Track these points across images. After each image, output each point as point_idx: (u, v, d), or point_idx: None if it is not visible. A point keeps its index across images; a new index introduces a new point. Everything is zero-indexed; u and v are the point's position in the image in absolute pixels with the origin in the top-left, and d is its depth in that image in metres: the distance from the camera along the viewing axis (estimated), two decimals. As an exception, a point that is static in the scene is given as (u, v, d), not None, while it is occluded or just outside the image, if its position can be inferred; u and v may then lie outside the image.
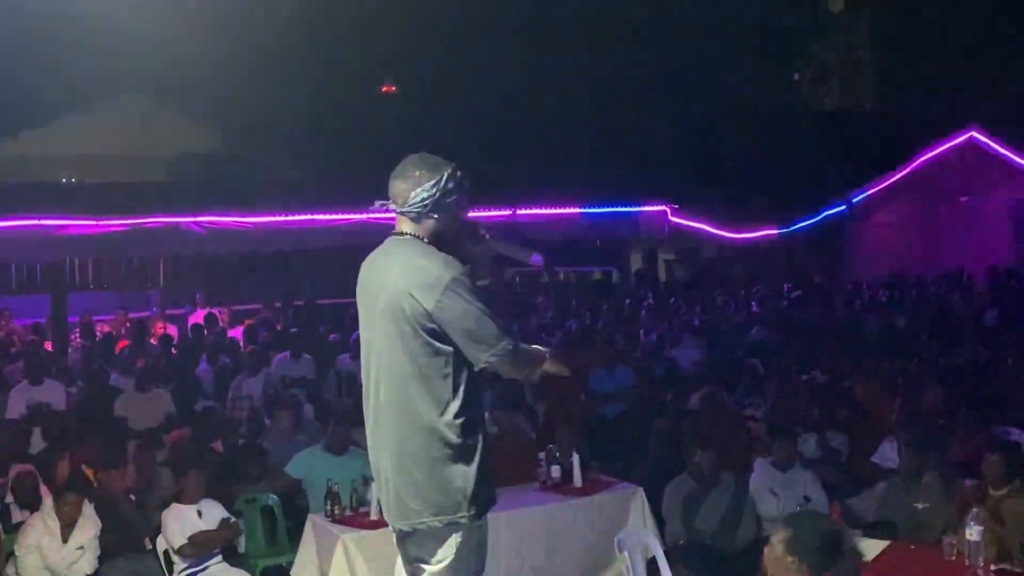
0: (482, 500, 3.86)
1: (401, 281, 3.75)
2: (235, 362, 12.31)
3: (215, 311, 15.92)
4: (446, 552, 3.86)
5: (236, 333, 14.54)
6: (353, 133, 22.03)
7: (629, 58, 24.23)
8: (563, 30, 24.07)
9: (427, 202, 3.80)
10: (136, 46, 19.28)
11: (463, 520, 3.81)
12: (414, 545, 3.94)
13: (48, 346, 14.10)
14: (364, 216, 13.46)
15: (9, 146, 20.04)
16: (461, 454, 3.78)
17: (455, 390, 3.78)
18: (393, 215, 3.96)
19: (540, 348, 4.08)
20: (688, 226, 20.92)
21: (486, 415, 4.12)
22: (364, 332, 3.99)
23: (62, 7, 17.39)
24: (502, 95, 23.30)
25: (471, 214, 3.99)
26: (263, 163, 21.68)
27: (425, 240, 3.83)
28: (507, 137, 22.59)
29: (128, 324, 15.49)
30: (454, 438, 3.77)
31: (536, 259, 3.86)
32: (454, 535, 3.85)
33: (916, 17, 26.93)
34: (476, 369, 3.78)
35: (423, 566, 3.93)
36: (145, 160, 19.77)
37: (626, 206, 19.97)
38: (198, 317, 15.75)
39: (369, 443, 4.01)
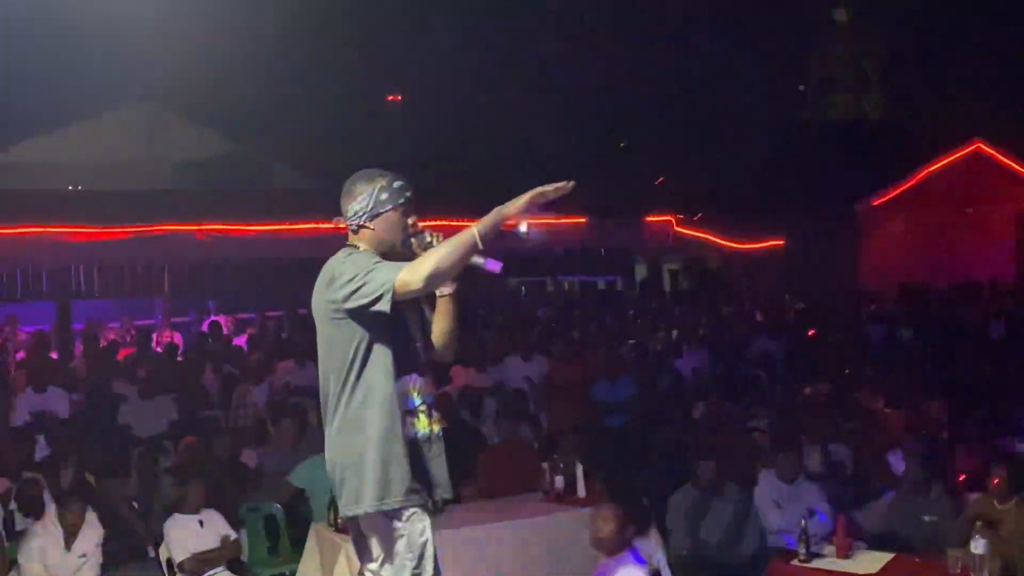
0: (409, 491, 3.86)
1: (315, 293, 3.94)
2: (239, 370, 12.30)
3: (219, 319, 15.92)
4: (379, 549, 3.91)
5: (241, 341, 14.54)
6: (358, 141, 22.06)
7: (635, 68, 24.26)
8: (568, 41, 24.11)
9: (361, 214, 3.95)
10: (142, 53, 19.34)
11: (386, 507, 3.83)
12: (356, 544, 4.03)
13: (53, 354, 14.08)
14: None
15: (15, 153, 20.04)
16: (358, 446, 3.84)
17: (368, 379, 3.85)
18: None
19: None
20: (693, 236, 20.94)
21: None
22: None
23: (67, 15, 17.43)
24: (506, 104, 23.34)
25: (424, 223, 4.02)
26: (268, 171, 21.69)
27: (362, 249, 3.94)
28: (511, 146, 22.63)
29: (132, 332, 15.49)
30: (372, 427, 3.84)
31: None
32: (386, 529, 3.87)
33: (922, 28, 26.95)
34: (387, 308, 3.69)
35: (367, 566, 3.99)
36: (150, 167, 19.77)
37: (631, 216, 19.97)
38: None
39: None
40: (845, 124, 29.26)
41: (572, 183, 3.70)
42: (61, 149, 19.92)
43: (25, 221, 14.69)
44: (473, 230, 3.67)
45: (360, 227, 3.97)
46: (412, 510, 3.89)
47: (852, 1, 29.65)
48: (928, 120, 24.94)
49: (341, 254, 3.92)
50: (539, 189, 3.70)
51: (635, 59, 24.25)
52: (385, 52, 23.27)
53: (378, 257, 3.85)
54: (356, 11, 22.73)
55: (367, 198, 3.95)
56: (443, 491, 4.03)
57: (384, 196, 3.95)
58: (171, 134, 21.01)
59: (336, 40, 22.75)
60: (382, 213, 3.95)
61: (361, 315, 3.78)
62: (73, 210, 15.75)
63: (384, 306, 3.69)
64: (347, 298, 3.76)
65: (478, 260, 3.73)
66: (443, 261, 3.66)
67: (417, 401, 3.94)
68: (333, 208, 4.13)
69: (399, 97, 26.35)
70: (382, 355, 3.87)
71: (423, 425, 3.94)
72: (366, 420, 3.85)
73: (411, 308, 3.99)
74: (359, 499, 3.85)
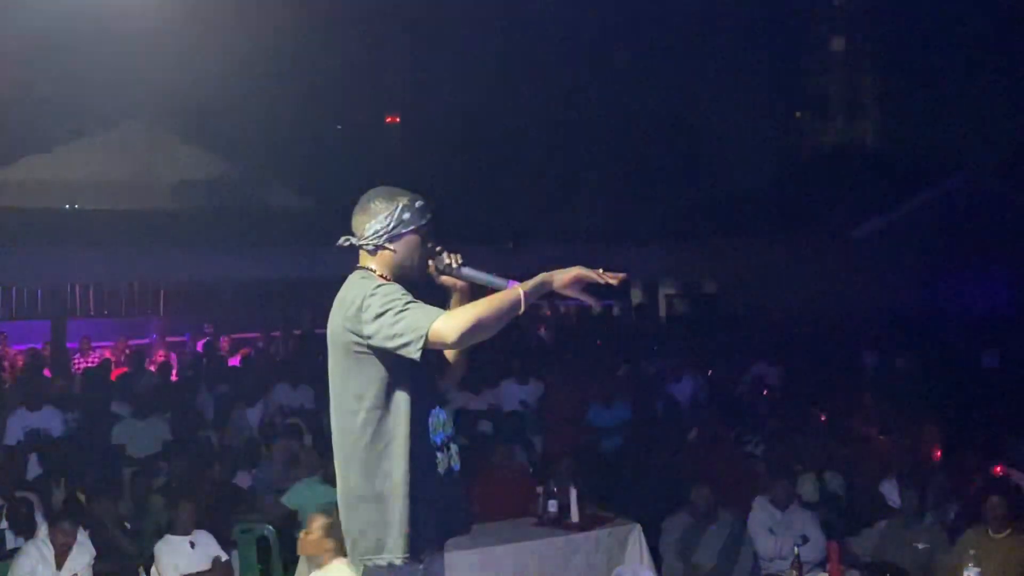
0: (412, 545, 3.62)
1: (334, 318, 3.67)
2: (234, 390, 12.26)
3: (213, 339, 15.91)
4: None
5: (236, 361, 14.52)
6: (356, 162, 22.12)
7: (630, 93, 24.37)
8: (566, 66, 24.22)
9: (381, 234, 3.68)
10: (139, 72, 19.39)
11: (383, 564, 3.61)
12: None
13: (46, 372, 14.06)
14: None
15: (11, 171, 20.07)
16: (382, 490, 3.60)
17: (391, 419, 3.60)
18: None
19: (503, 286, 3.61)
20: (688, 260, 20.96)
21: (450, 451, 3.84)
22: None
23: (65, 34, 17.49)
24: (504, 128, 23.42)
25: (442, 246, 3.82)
26: (266, 191, 21.73)
27: (378, 273, 3.69)
28: (509, 169, 22.69)
29: (127, 351, 15.46)
30: (397, 470, 3.59)
31: (514, 284, 3.57)
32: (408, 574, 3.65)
33: (918, 55, 27.09)
34: (416, 355, 3.43)
35: None
36: (147, 187, 19.81)
37: (627, 238, 19.99)
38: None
39: None
40: (840, 150, 29.36)
41: (623, 276, 3.59)
42: (58, 168, 19.95)
43: (21, 239, 14.69)
44: (519, 292, 3.49)
45: (379, 248, 3.70)
46: (433, 552, 3.71)
47: (848, 30, 29.81)
48: (924, 145, 25.02)
49: (366, 285, 3.60)
50: (586, 271, 3.58)
51: (634, 85, 24.36)
52: (383, 74, 23.35)
53: (408, 294, 3.56)
54: (354, 33, 22.82)
55: (388, 217, 3.68)
56: (463, 525, 3.84)
57: (406, 216, 3.69)
58: (168, 154, 21.05)
59: (334, 62, 22.83)
60: (404, 234, 3.69)
61: (385, 352, 3.53)
62: (69, 229, 15.77)
63: (412, 354, 3.43)
64: (373, 335, 3.50)
65: (499, 281, 3.62)
66: (483, 319, 3.42)
67: (442, 437, 3.71)
68: (329, 228, 3.99)
69: (397, 119, 26.43)
70: (406, 392, 3.61)
71: (445, 462, 3.71)
72: (389, 462, 3.59)
73: None
74: (381, 548, 3.60)
